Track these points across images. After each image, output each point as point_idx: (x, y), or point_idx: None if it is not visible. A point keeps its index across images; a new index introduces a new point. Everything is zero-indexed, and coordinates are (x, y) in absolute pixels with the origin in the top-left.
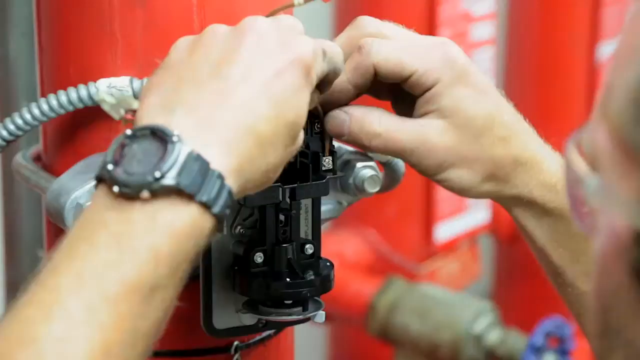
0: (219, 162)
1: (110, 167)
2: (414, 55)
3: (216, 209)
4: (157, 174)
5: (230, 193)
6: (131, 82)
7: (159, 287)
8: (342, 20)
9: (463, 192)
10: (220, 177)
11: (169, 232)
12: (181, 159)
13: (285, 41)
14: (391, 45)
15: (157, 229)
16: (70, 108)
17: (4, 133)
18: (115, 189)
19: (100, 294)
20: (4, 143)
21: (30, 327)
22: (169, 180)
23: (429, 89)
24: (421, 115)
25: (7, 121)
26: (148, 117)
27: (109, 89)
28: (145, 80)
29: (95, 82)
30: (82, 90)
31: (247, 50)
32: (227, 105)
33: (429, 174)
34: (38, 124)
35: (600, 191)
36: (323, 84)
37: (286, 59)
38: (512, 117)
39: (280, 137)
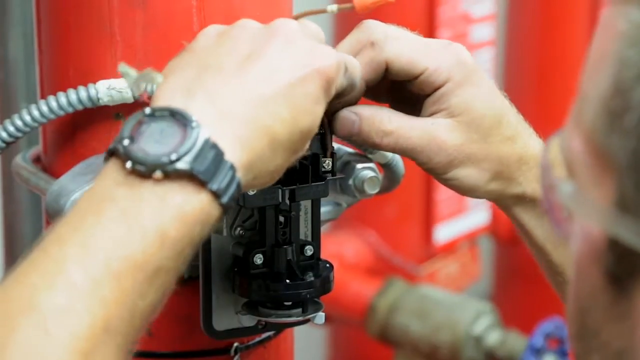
0: (232, 154)
1: (126, 142)
2: (425, 53)
3: (225, 199)
4: (174, 157)
5: (239, 186)
6: None
7: (162, 269)
8: (343, 20)
9: (470, 191)
10: (233, 168)
11: (178, 215)
12: (198, 144)
13: (313, 49)
14: (402, 42)
15: (166, 211)
16: (70, 110)
17: (4, 135)
18: (128, 164)
19: (106, 268)
20: (3, 145)
21: (34, 294)
22: (184, 164)
23: (438, 88)
24: (430, 115)
25: (7, 123)
26: (167, 97)
27: (108, 91)
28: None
29: (94, 83)
30: (82, 91)
31: (276, 50)
32: (248, 100)
33: (438, 172)
34: (38, 125)
35: (575, 197)
36: (337, 96)
37: (311, 67)
38: (516, 117)
39: (292, 142)
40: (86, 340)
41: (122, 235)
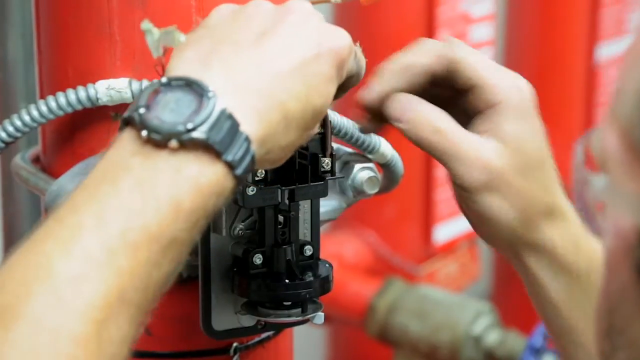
0: (247, 126)
1: (142, 110)
2: (488, 67)
3: (239, 170)
4: (190, 125)
5: (253, 158)
6: (130, 83)
7: (176, 240)
8: (342, 20)
9: (491, 220)
10: (248, 140)
11: (193, 186)
12: (214, 115)
13: (327, 29)
14: (471, 50)
15: (182, 182)
16: (69, 110)
17: (3, 135)
18: (144, 133)
19: (122, 238)
20: (3, 145)
21: (49, 262)
22: (200, 133)
23: (491, 106)
24: (479, 133)
25: (6, 123)
26: (183, 68)
27: (107, 91)
28: (144, 82)
29: (94, 83)
30: (81, 92)
31: (290, 28)
32: (263, 74)
33: (471, 190)
34: (37, 125)
35: (608, 191)
36: (342, 86)
37: (325, 45)
38: (554, 168)
39: (305, 120)
40: (100, 309)
41: (137, 206)
